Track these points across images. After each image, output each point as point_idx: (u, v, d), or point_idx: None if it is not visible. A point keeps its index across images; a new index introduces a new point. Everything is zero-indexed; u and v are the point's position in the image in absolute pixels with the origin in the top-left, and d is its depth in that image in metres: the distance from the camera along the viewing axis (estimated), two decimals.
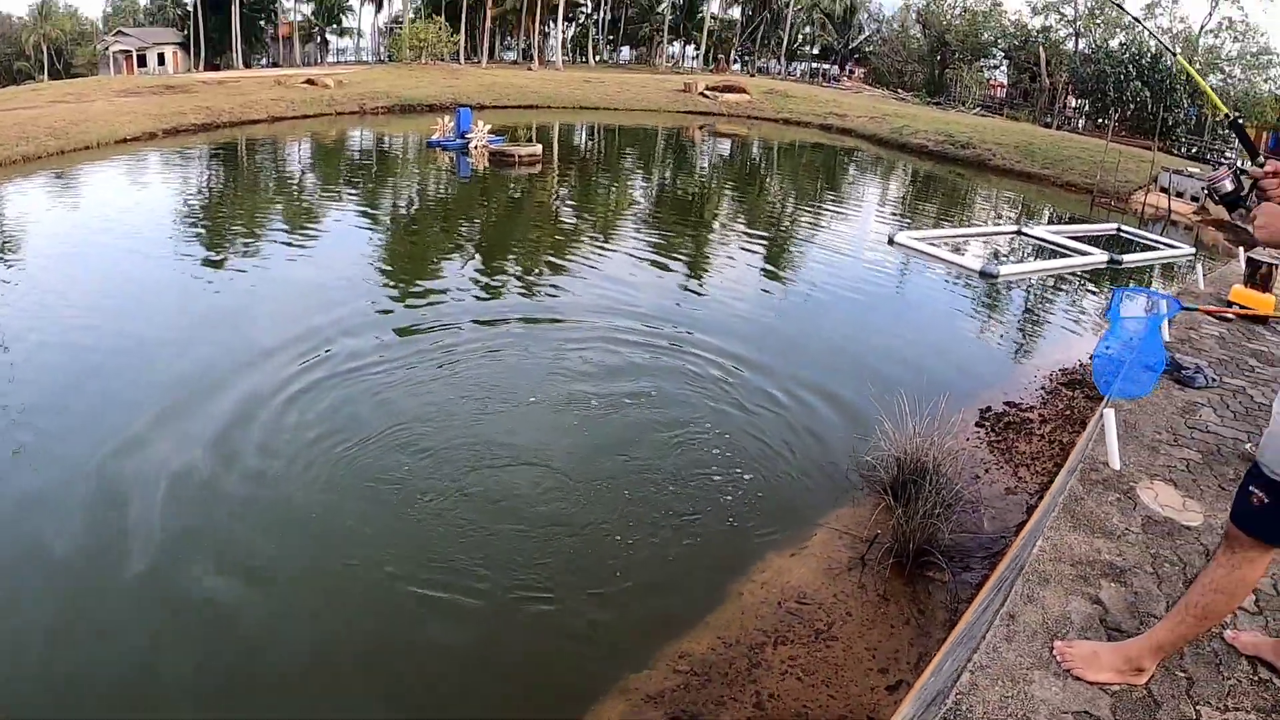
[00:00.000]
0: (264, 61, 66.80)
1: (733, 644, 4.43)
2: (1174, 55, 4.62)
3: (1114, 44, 50.05)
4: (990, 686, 2.94)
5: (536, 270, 12.62)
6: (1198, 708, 3.01)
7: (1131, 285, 4.74)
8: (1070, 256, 15.22)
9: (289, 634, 4.61)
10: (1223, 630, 3.44)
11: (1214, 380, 6.79)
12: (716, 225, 18.07)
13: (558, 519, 5.59)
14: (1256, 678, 3.20)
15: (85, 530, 5.34)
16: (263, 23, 66.72)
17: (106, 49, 60.75)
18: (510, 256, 13.74)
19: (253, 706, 4.13)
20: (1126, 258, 15.15)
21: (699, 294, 11.76)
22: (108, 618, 4.62)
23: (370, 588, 4.91)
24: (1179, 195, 26.76)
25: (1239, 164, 2.59)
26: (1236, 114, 3.07)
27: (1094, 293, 14.08)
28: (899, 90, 60.71)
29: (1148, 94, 42.64)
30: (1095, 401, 7.30)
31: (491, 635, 4.59)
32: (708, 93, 47.68)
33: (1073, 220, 21.95)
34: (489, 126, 24.79)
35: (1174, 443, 5.35)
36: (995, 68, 63.72)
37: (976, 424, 7.46)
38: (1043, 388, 8.65)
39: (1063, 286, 14.08)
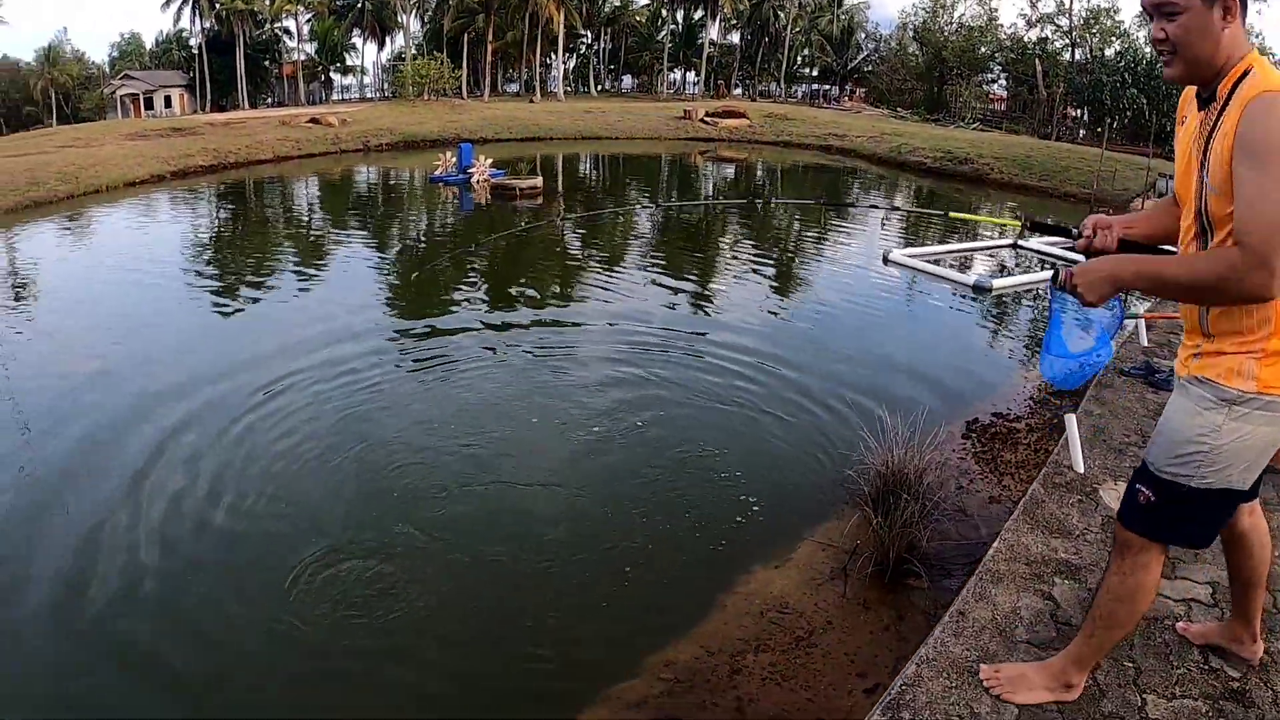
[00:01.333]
0: (269, 101, 67.75)
1: (715, 652, 4.60)
2: None
3: (1109, 53, 50.26)
4: (935, 678, 3.10)
5: (538, 296, 12.87)
6: (1144, 695, 3.12)
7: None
8: (1067, 267, 15.32)
9: (292, 649, 4.79)
10: (1175, 623, 3.58)
11: None
12: (720, 248, 18.29)
13: (558, 539, 5.78)
14: (1207, 666, 3.30)
15: (71, 564, 5.49)
16: (267, 63, 67.75)
17: (114, 92, 61.90)
18: (514, 284, 13.99)
19: None
20: None
21: (701, 314, 11.99)
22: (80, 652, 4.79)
23: (372, 584, 5.09)
24: None
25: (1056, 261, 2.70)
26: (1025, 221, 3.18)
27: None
28: (898, 109, 61.02)
29: (1144, 101, 42.76)
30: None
31: (484, 649, 4.77)
32: (708, 119, 48.02)
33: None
34: (490, 161, 25.19)
35: (1141, 444, 5.50)
36: (993, 81, 64.02)
37: (963, 436, 7.62)
38: (1031, 398, 8.79)
39: None
